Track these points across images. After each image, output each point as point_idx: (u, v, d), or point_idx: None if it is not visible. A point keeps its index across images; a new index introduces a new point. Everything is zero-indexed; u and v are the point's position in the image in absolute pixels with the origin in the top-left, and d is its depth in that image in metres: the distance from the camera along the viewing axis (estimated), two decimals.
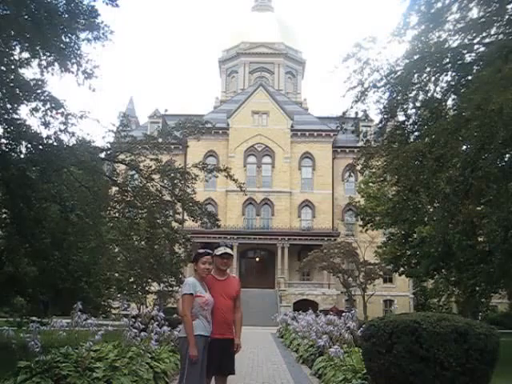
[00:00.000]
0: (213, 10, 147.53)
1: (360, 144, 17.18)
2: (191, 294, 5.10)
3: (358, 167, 16.39)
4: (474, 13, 12.48)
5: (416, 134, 14.51)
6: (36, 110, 12.11)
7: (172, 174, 18.63)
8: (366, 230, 31.63)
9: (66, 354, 6.76)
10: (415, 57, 12.52)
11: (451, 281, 26.80)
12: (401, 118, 14.66)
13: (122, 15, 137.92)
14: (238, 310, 5.45)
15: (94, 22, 11.75)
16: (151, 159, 18.51)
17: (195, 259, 5.34)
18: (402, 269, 30.08)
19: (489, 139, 10.76)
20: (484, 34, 12.40)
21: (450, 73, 13.27)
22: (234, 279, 5.64)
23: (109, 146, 18.19)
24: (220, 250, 5.33)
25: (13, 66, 11.90)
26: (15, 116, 12.13)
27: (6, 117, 11.94)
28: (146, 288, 22.15)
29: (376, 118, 15.30)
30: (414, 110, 14.14)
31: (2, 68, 11.15)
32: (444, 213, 14.11)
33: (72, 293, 15.07)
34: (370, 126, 21.99)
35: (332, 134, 51.26)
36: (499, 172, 12.44)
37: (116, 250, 19.08)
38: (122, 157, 18.72)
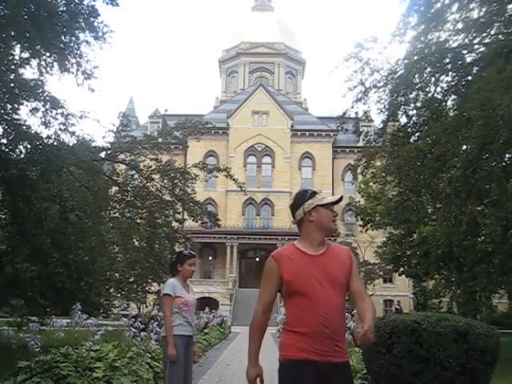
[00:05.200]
0: (213, 10, 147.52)
1: (360, 144, 17.19)
2: (170, 295, 5.13)
3: (359, 169, 16.38)
4: (474, 13, 12.49)
5: (417, 134, 14.52)
6: (36, 109, 12.10)
7: (172, 174, 18.64)
8: (366, 229, 31.62)
9: (66, 354, 6.75)
10: (415, 57, 12.52)
11: (451, 281, 26.79)
12: (402, 118, 14.67)
13: (122, 15, 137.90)
14: (361, 298, 2.92)
15: (94, 22, 11.74)
16: (151, 159, 18.52)
17: (181, 261, 5.35)
18: (401, 269, 30.09)
19: (490, 139, 10.76)
20: (484, 34, 12.40)
21: (450, 73, 13.27)
22: (341, 250, 2.99)
23: (109, 145, 18.21)
24: (327, 199, 2.96)
25: (13, 66, 11.89)
26: (15, 116, 12.12)
27: (5, 117, 11.92)
28: (146, 288, 22.12)
29: (376, 117, 15.33)
30: (414, 111, 14.15)
31: (2, 68, 11.13)
32: (446, 214, 14.11)
33: (72, 293, 15.05)
34: (370, 126, 21.98)
35: (332, 133, 51.26)
36: (501, 172, 12.44)
37: (116, 250, 19.07)
38: (122, 157, 18.73)
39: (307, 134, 52.87)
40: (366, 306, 2.89)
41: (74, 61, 12.11)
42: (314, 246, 2.87)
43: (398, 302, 39.13)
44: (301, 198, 2.93)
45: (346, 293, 2.89)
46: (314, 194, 2.93)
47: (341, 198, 2.99)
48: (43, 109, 12.11)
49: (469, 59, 13.15)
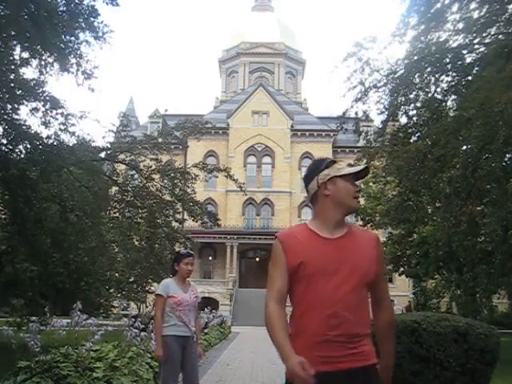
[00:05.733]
0: (213, 10, 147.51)
1: (360, 144, 17.19)
2: (161, 296, 5.14)
3: None
4: (474, 13, 12.48)
5: (417, 134, 14.52)
6: (36, 109, 12.10)
7: (172, 174, 18.65)
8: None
9: (66, 354, 6.75)
10: (415, 57, 12.52)
11: (451, 281, 26.81)
12: (402, 118, 14.67)
13: (122, 15, 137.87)
14: (380, 306, 2.41)
15: (94, 22, 11.74)
16: (151, 159, 18.53)
17: (177, 260, 5.34)
18: (401, 269, 30.08)
19: (490, 139, 10.75)
20: (484, 34, 12.39)
21: (450, 73, 13.27)
22: (365, 235, 2.45)
23: (109, 145, 18.22)
24: (347, 169, 2.41)
25: (13, 66, 11.89)
26: (15, 116, 12.12)
27: (5, 117, 11.92)
28: (146, 288, 22.12)
29: (376, 117, 15.34)
30: (414, 111, 14.15)
31: (2, 68, 11.14)
32: (446, 214, 14.11)
33: (72, 293, 15.05)
34: (370, 126, 21.99)
35: (332, 133, 51.25)
36: (501, 172, 12.44)
37: (116, 250, 19.08)
38: (122, 157, 18.75)
39: (307, 133, 52.88)
40: (384, 323, 2.37)
41: (74, 61, 12.13)
42: (330, 227, 2.31)
43: (409, 302, 39.38)
44: (315, 168, 2.38)
45: (366, 285, 2.26)
46: (333, 162, 2.38)
47: (366, 170, 2.41)
48: (43, 109, 12.11)
49: (469, 59, 13.15)
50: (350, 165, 2.08)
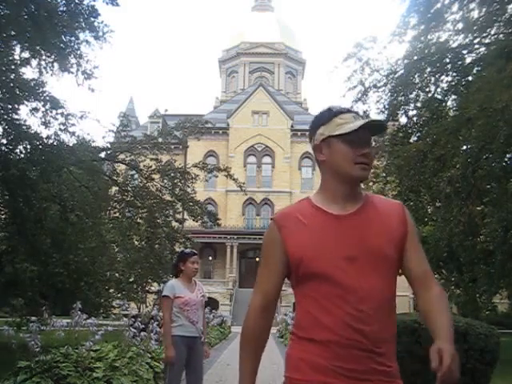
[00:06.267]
0: (213, 10, 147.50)
1: None
2: (168, 297, 5.11)
3: None
4: (474, 13, 12.50)
5: (417, 134, 14.53)
6: (36, 109, 12.11)
7: (172, 174, 18.66)
8: None
9: (66, 354, 6.75)
10: (415, 57, 12.53)
11: (451, 281, 26.79)
12: (402, 118, 14.67)
13: (122, 15, 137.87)
14: (425, 284, 1.79)
15: (94, 22, 11.75)
16: (151, 159, 18.54)
17: (183, 259, 5.31)
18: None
19: (490, 138, 10.76)
20: (484, 34, 12.41)
21: (450, 73, 13.28)
22: (388, 205, 1.84)
23: (109, 145, 18.24)
24: (345, 126, 1.77)
25: (13, 66, 11.90)
26: (15, 116, 12.13)
27: (5, 117, 11.93)
28: (146, 288, 22.12)
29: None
30: (414, 111, 14.16)
31: (2, 68, 11.14)
32: (446, 214, 14.12)
33: (72, 293, 15.05)
34: None
35: None
36: (501, 172, 12.45)
37: (116, 250, 19.08)
38: (122, 157, 18.76)
39: (307, 134, 52.73)
40: (434, 301, 1.70)
41: (74, 61, 12.15)
42: (339, 200, 1.74)
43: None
44: (314, 125, 1.87)
45: (395, 274, 1.77)
46: (338, 113, 1.77)
47: (379, 124, 1.80)
48: (43, 109, 12.13)
49: (469, 59, 13.17)
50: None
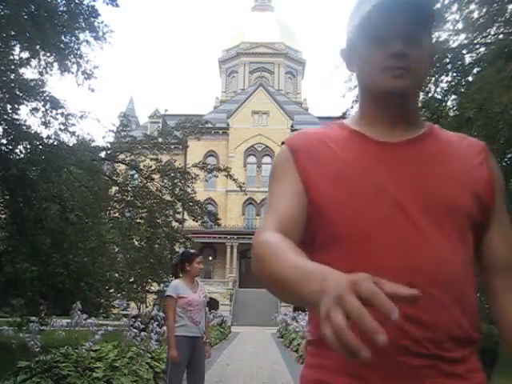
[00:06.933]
0: (213, 10, 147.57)
1: None
2: (172, 297, 5.14)
3: None
4: (474, 13, 12.50)
5: None
6: (36, 109, 12.14)
7: (172, 174, 18.66)
8: None
9: (66, 354, 6.76)
10: None
11: None
12: None
13: (122, 15, 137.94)
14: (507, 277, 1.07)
15: (94, 22, 11.76)
16: (151, 159, 18.54)
17: (189, 260, 5.33)
18: None
19: (491, 139, 10.76)
20: (484, 34, 12.41)
21: (450, 73, 13.29)
22: (465, 142, 1.16)
23: (109, 145, 18.24)
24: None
25: (13, 66, 11.91)
26: (15, 116, 12.14)
27: (5, 117, 11.94)
28: (146, 288, 22.12)
29: None
30: None
31: (2, 68, 11.15)
32: None
33: (72, 293, 15.05)
34: None
35: None
36: (501, 172, 12.44)
37: (116, 250, 19.09)
38: (122, 157, 18.76)
39: None
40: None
41: (74, 61, 12.14)
42: (386, 122, 1.14)
43: None
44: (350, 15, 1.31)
45: (471, 237, 1.09)
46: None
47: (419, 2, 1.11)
48: (43, 109, 12.15)
49: (469, 59, 13.17)
50: None
